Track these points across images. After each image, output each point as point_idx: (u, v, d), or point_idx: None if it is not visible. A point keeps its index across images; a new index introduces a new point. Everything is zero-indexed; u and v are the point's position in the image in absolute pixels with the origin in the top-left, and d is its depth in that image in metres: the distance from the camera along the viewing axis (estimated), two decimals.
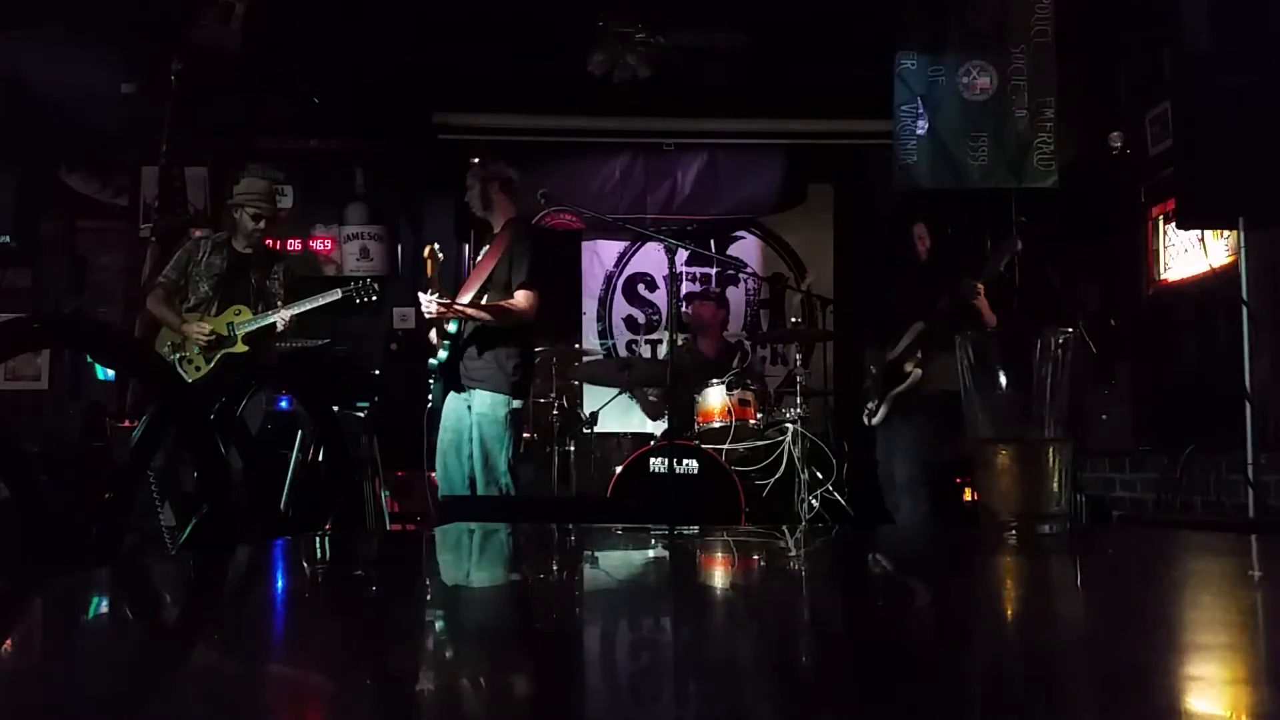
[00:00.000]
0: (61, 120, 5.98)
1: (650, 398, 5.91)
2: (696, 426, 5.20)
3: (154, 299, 4.82)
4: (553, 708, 0.45)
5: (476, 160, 4.73)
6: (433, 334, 4.51)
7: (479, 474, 4.41)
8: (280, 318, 4.69)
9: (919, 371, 4.51)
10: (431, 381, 4.58)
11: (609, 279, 7.13)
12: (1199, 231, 4.51)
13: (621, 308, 7.14)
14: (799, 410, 5.28)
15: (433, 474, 5.20)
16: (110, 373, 5.83)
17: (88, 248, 6.77)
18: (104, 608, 0.76)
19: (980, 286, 4.42)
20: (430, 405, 4.62)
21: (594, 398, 6.24)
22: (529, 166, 6.35)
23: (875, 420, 4.74)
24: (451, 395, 4.47)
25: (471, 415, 4.42)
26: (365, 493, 4.48)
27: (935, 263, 4.72)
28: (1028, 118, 4.92)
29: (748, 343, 6.85)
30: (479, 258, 4.65)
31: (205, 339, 4.66)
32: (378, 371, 5.43)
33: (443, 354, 4.41)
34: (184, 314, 4.74)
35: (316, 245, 6.84)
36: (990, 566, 1.02)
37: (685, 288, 6.73)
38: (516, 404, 4.44)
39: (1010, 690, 0.48)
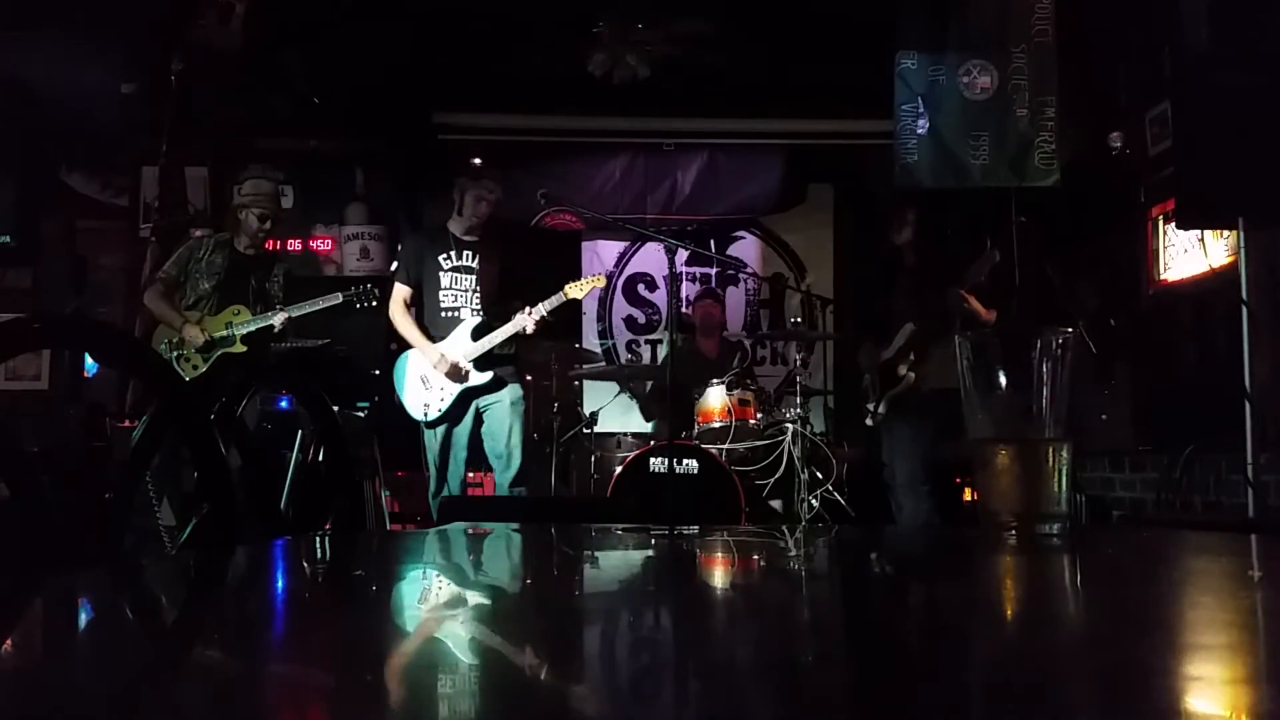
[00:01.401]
0: (61, 120, 5.98)
1: (646, 397, 5.91)
2: (696, 426, 5.21)
3: (152, 294, 4.81)
4: (552, 707, 0.45)
5: (472, 179, 4.76)
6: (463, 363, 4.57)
7: (506, 460, 4.51)
8: (278, 320, 4.70)
9: (912, 374, 4.53)
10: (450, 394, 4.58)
11: (609, 279, 7.13)
12: (1199, 231, 4.51)
13: (621, 308, 7.14)
14: (799, 410, 5.28)
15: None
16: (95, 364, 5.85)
17: (88, 248, 6.78)
18: (104, 608, 0.76)
19: (966, 294, 4.44)
20: (435, 416, 4.60)
21: (594, 398, 6.24)
22: (529, 166, 6.35)
23: (875, 421, 4.76)
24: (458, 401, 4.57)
25: (501, 408, 4.55)
26: (365, 493, 4.48)
27: (925, 264, 4.74)
28: (1028, 117, 4.92)
29: (748, 342, 6.86)
30: (471, 265, 4.67)
31: (203, 343, 4.67)
32: (378, 371, 5.42)
33: (487, 376, 4.54)
34: (184, 312, 4.74)
35: (316, 245, 6.84)
36: (990, 566, 1.02)
37: (685, 288, 6.73)
38: None
39: (1011, 690, 0.48)
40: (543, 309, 4.56)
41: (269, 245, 5.19)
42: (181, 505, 3.88)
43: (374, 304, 4.95)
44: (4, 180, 6.19)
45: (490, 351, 4.56)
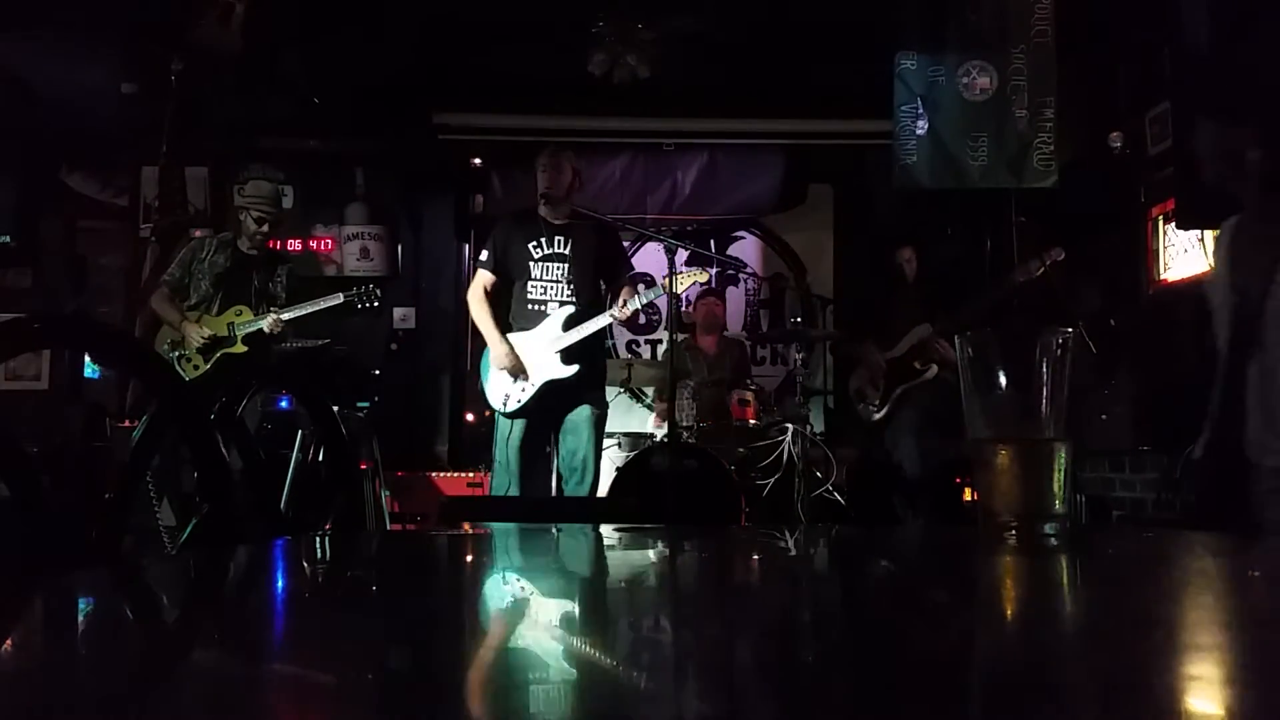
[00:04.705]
0: (61, 120, 5.99)
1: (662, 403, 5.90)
2: (695, 426, 5.21)
3: (158, 298, 4.85)
4: (552, 707, 0.45)
5: (550, 153, 4.48)
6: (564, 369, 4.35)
7: (582, 473, 4.34)
8: (266, 324, 4.68)
9: (935, 368, 4.60)
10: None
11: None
12: (1199, 231, 4.52)
13: None
14: (799, 410, 5.28)
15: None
16: (97, 368, 5.85)
17: (88, 248, 6.79)
18: (104, 608, 0.76)
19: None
20: (514, 408, 4.35)
21: None
22: (529, 166, 6.35)
23: (878, 416, 4.80)
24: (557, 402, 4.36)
25: (583, 419, 4.37)
26: (365, 493, 4.47)
27: (924, 282, 4.83)
28: (1028, 118, 4.92)
29: (748, 342, 6.86)
30: (564, 252, 4.39)
31: (202, 341, 4.68)
32: (378, 371, 5.43)
33: (572, 370, 4.32)
34: (185, 312, 4.76)
35: (316, 245, 6.85)
36: (990, 567, 1.02)
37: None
38: None
39: (1010, 691, 0.48)
40: (638, 302, 4.35)
41: (272, 245, 5.19)
42: (181, 505, 3.89)
43: (375, 304, 4.95)
44: (4, 180, 6.20)
45: (581, 354, 4.32)
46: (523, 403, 4.32)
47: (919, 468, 4.75)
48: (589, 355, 4.39)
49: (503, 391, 4.34)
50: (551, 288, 4.35)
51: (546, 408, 4.34)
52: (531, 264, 4.36)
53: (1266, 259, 2.09)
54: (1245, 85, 3.63)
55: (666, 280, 4.41)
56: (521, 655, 0.57)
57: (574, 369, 4.29)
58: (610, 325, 4.45)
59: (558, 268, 4.36)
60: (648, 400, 5.81)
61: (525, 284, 4.37)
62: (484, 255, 4.50)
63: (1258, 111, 2.13)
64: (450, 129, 6.61)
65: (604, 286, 4.48)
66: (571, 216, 4.43)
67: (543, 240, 4.36)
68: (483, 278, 4.45)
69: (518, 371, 4.29)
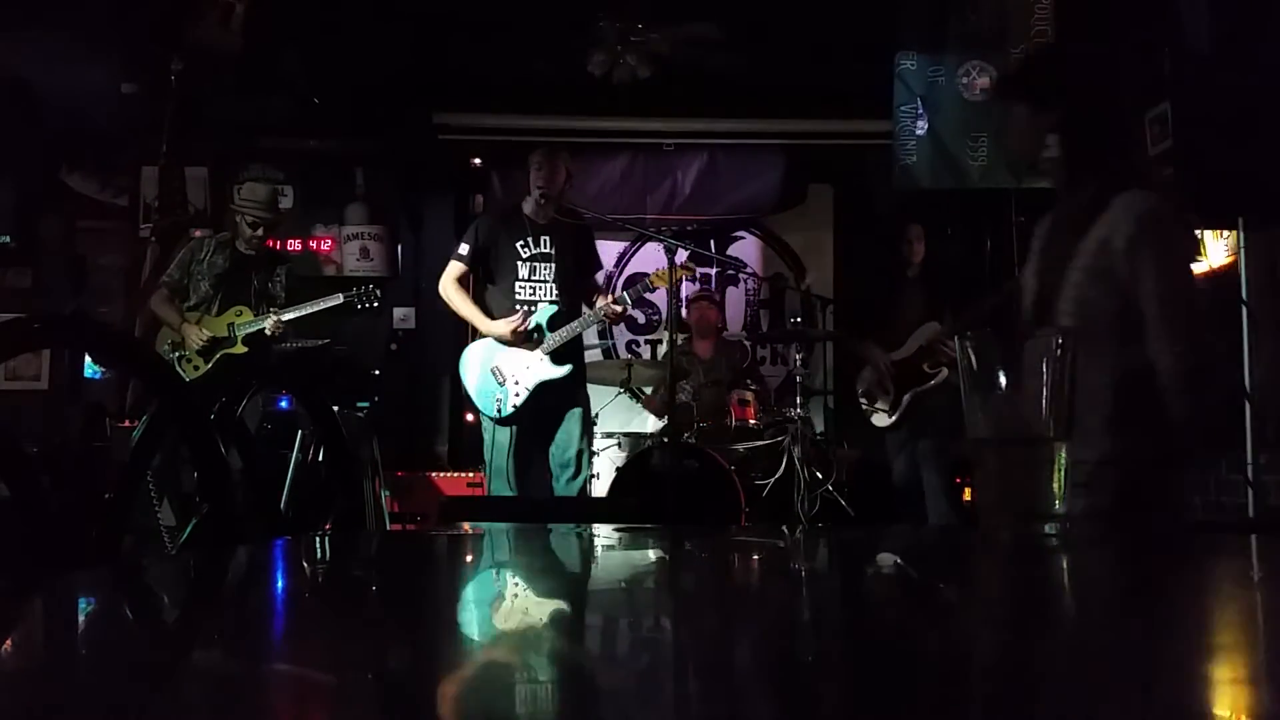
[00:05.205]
0: (61, 120, 5.99)
1: (653, 395, 5.90)
2: (695, 426, 5.21)
3: (158, 299, 4.85)
4: (551, 708, 0.45)
5: (546, 154, 4.44)
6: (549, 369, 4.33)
7: (575, 470, 4.31)
8: (268, 325, 4.68)
9: (945, 370, 4.57)
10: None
11: (609, 279, 7.13)
12: (1199, 231, 4.52)
13: None
14: (799, 410, 5.28)
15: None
16: (97, 368, 5.85)
17: (88, 248, 6.78)
18: (104, 608, 0.76)
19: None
20: (508, 412, 4.32)
21: (594, 398, 6.24)
22: (529, 166, 6.33)
23: (889, 421, 4.77)
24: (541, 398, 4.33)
25: (574, 416, 4.33)
26: (365, 493, 4.47)
27: (932, 269, 4.79)
28: None
29: (747, 342, 6.86)
30: (549, 252, 4.38)
31: (202, 343, 4.68)
32: (378, 371, 5.43)
33: (564, 370, 4.32)
34: (185, 313, 4.76)
35: (316, 245, 6.85)
36: (989, 567, 1.02)
37: (685, 287, 6.73)
38: None
39: (1010, 691, 0.48)
40: (628, 299, 4.36)
41: (271, 245, 5.19)
42: (181, 505, 3.89)
43: (375, 304, 4.95)
44: (4, 180, 6.19)
45: (570, 353, 4.32)
46: (517, 407, 4.28)
47: (934, 475, 4.71)
48: (577, 354, 4.40)
49: (493, 397, 4.29)
50: (539, 288, 4.34)
51: (540, 409, 4.31)
52: (519, 264, 4.33)
53: (1065, 248, 2.10)
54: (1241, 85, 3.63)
55: (653, 277, 4.43)
56: (520, 656, 0.57)
57: (566, 368, 4.29)
58: (609, 326, 4.44)
59: (544, 268, 4.35)
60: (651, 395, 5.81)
61: (512, 284, 4.33)
62: (464, 249, 4.39)
63: (1066, 98, 2.12)
64: (450, 129, 6.61)
65: (583, 286, 4.48)
66: (557, 215, 4.42)
67: (529, 240, 4.34)
68: (455, 269, 4.36)
69: (523, 337, 4.24)
